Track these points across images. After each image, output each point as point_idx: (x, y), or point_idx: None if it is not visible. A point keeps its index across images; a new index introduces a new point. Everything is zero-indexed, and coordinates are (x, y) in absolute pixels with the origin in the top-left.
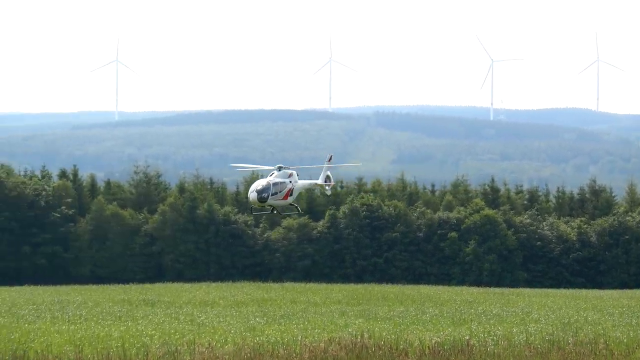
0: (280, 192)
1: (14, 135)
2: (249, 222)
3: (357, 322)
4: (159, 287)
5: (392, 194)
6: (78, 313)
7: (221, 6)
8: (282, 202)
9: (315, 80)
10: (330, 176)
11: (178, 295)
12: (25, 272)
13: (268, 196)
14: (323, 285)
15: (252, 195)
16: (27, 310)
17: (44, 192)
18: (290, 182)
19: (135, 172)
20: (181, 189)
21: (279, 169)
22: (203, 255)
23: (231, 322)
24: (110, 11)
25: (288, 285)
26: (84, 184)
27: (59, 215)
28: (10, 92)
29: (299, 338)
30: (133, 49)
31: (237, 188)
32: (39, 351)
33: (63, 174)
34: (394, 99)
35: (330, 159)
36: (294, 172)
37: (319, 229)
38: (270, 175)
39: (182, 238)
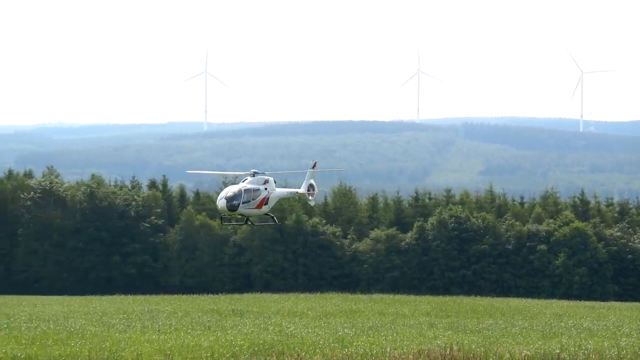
0: (253, 200)
1: (105, 145)
2: (337, 234)
3: (446, 334)
4: (247, 297)
5: (480, 206)
6: (168, 323)
7: (309, 17)
8: (256, 212)
9: (403, 91)
10: (314, 185)
11: (266, 306)
12: (116, 281)
13: (239, 204)
14: (411, 297)
15: (220, 202)
16: (117, 320)
17: (133, 202)
18: (266, 189)
19: (224, 183)
20: None
21: (253, 174)
22: (291, 266)
23: (320, 333)
24: (200, 23)
25: (376, 296)
26: (173, 194)
27: (148, 225)
28: (102, 103)
29: (388, 350)
30: (222, 60)
31: (326, 199)
32: None
33: (152, 184)
34: (482, 111)
35: (314, 165)
36: (271, 179)
37: (407, 240)
38: (243, 182)
39: (270, 248)
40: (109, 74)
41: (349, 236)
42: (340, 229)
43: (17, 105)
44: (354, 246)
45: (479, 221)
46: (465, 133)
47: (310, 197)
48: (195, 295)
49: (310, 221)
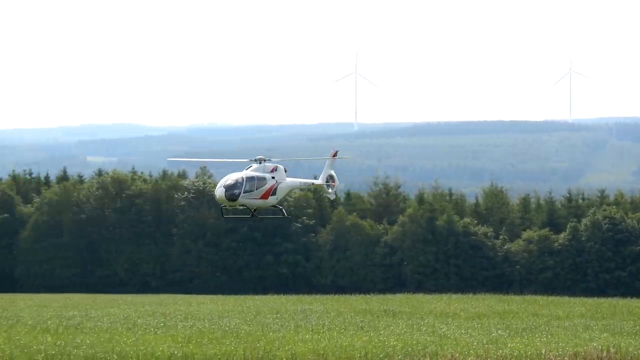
0: (257, 189)
1: (259, 146)
2: (489, 234)
3: (602, 336)
4: (399, 297)
5: (635, 207)
6: (321, 322)
7: (459, 18)
8: (260, 203)
9: (555, 91)
10: (334, 176)
11: (419, 307)
12: (269, 280)
13: (240, 194)
14: (565, 299)
15: (218, 191)
16: (271, 319)
17: (285, 203)
18: (273, 178)
19: (375, 183)
20: (420, 200)
21: (259, 161)
22: (443, 267)
23: (473, 334)
24: (350, 25)
25: (529, 297)
26: (324, 195)
27: (300, 225)
28: (254, 104)
29: (543, 351)
30: (371, 61)
31: (477, 199)
32: (284, 359)
33: None
34: (636, 110)
35: (336, 154)
36: (280, 167)
37: (560, 241)
38: (247, 169)
39: (421, 249)
40: (261, 76)
41: (500, 237)
42: (492, 230)
43: (170, 107)
44: (506, 247)
45: (634, 222)
46: (618, 133)
47: (329, 190)
48: (347, 295)
49: (461, 222)
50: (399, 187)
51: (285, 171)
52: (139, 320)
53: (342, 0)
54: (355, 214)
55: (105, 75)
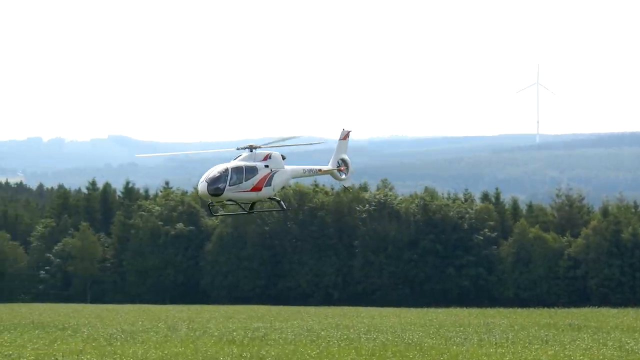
0: (246, 181)
1: (439, 158)
2: None
3: None
4: (584, 311)
5: None
6: (504, 336)
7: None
8: (252, 196)
9: None
10: (347, 160)
11: (604, 321)
12: (450, 293)
13: (224, 187)
14: None
15: (200, 186)
16: (454, 332)
17: (467, 215)
18: (267, 166)
19: (558, 195)
20: (604, 212)
21: (250, 149)
22: (629, 280)
23: None
24: (531, 36)
25: None
26: (506, 207)
27: (481, 237)
28: (434, 115)
29: None
30: (553, 70)
31: None
32: None
33: (485, 197)
34: None
35: (347, 135)
36: (275, 154)
37: None
38: (236, 159)
39: (606, 262)
40: (442, 87)
41: None
42: None
43: (351, 119)
44: None
45: None
46: None
47: (342, 176)
48: (530, 309)
49: None
50: (582, 199)
51: (284, 158)
52: (322, 333)
53: (524, 12)
54: (537, 226)
55: (286, 88)
